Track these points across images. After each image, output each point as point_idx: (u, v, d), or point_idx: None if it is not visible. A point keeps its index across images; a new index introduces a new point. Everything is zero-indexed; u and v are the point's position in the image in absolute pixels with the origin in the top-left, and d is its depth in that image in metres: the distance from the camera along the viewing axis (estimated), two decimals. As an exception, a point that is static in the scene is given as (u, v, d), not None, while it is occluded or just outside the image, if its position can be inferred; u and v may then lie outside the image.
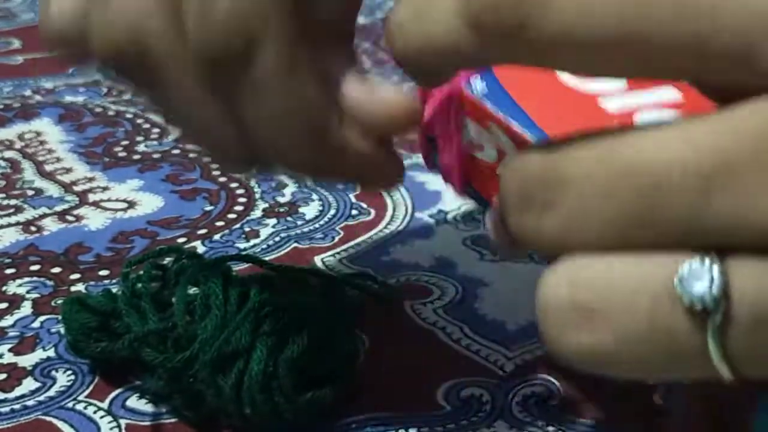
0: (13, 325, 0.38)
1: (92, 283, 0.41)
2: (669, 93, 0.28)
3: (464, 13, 0.17)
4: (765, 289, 0.15)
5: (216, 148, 0.28)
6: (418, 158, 0.52)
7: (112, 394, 0.34)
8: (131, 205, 0.48)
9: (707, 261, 0.15)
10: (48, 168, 0.52)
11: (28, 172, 0.51)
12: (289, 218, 0.46)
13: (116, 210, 0.47)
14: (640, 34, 0.15)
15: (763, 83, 0.15)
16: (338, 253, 0.43)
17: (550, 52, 0.16)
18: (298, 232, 0.45)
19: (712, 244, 0.15)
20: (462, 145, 0.26)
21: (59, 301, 0.38)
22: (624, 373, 0.17)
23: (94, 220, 0.46)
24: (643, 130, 0.16)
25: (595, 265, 0.16)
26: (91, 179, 0.50)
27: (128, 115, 0.59)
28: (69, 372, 0.35)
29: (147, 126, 0.57)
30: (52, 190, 0.49)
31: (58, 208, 0.47)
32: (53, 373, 0.35)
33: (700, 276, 0.15)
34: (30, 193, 0.49)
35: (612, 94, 0.28)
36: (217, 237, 0.45)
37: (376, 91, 0.25)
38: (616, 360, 0.16)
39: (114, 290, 0.36)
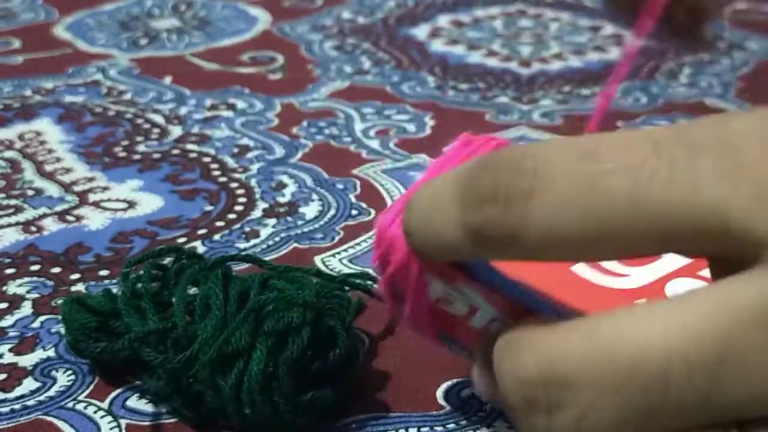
0: (13, 325, 0.38)
1: (92, 283, 0.41)
2: (677, 259, 0.30)
3: (464, 225, 0.19)
4: None
5: None
6: (418, 158, 0.52)
7: (112, 394, 0.34)
8: (131, 205, 0.48)
9: None
10: (48, 168, 0.52)
11: (28, 172, 0.51)
12: (289, 218, 0.46)
13: (116, 210, 0.47)
14: (603, 230, 0.17)
15: (737, 252, 0.16)
16: (338, 253, 0.43)
17: (537, 253, 0.18)
18: (298, 232, 0.45)
19: (730, 420, 0.16)
20: (430, 299, 0.26)
21: (59, 301, 0.38)
22: None
23: (94, 220, 0.46)
24: (636, 317, 0.17)
25: None
26: (91, 179, 0.51)
27: (128, 116, 0.59)
28: (69, 372, 0.35)
29: (147, 126, 0.57)
30: (52, 190, 0.49)
31: (58, 208, 0.47)
32: (53, 373, 0.35)
33: None
34: (30, 193, 0.49)
35: (622, 274, 0.30)
36: (217, 237, 0.45)
37: None
38: None
39: (114, 290, 0.36)
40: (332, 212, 0.47)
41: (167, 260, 0.37)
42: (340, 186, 0.49)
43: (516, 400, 0.18)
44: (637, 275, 0.30)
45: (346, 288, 0.38)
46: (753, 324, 0.16)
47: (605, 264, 0.30)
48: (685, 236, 0.17)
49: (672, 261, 0.31)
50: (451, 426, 0.32)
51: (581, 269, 0.29)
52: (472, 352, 0.27)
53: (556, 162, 0.18)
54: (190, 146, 0.54)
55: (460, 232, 0.19)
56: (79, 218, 0.46)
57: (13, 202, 0.48)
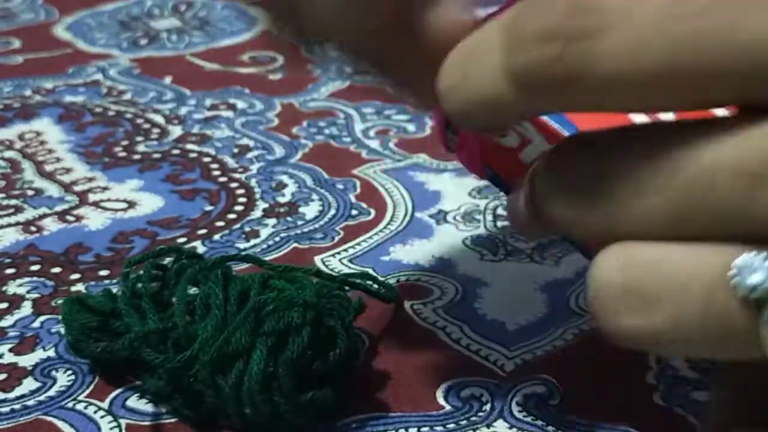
0: (13, 325, 0.38)
1: (92, 283, 0.41)
2: None
3: (509, 71, 0.17)
4: None
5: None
6: (418, 158, 0.52)
7: (113, 394, 0.34)
8: (131, 205, 0.48)
9: (762, 254, 0.16)
10: (48, 168, 0.52)
11: (28, 172, 0.51)
12: (289, 218, 0.46)
13: (116, 210, 0.47)
14: (694, 68, 0.16)
15: None
16: (338, 253, 0.43)
17: (600, 98, 0.17)
18: (298, 232, 0.45)
19: (762, 237, 0.16)
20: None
21: (59, 301, 0.38)
22: (675, 353, 0.19)
23: (94, 220, 0.46)
24: (697, 129, 0.17)
25: (648, 250, 0.17)
26: (91, 179, 0.50)
27: (128, 115, 0.59)
28: (69, 372, 0.35)
29: (147, 126, 0.57)
30: (52, 190, 0.49)
31: (58, 208, 0.47)
32: (53, 373, 0.35)
33: (755, 268, 0.16)
34: (30, 193, 0.49)
35: None
36: (217, 237, 0.45)
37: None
38: (669, 342, 0.17)
39: (114, 290, 0.36)
40: (332, 212, 0.47)
41: (167, 260, 0.37)
42: (340, 186, 0.49)
43: (558, 195, 0.18)
44: None
45: (346, 288, 0.38)
46: None
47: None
48: None
49: None
50: (451, 426, 0.32)
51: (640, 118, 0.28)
52: (514, 186, 0.27)
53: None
54: (190, 146, 0.54)
55: (502, 80, 0.17)
56: (79, 218, 0.46)
57: (13, 202, 0.48)
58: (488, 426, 0.32)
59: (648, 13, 0.16)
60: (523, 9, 0.17)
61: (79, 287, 0.41)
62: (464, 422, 0.32)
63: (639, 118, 0.27)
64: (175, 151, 0.54)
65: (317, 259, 0.43)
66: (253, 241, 0.44)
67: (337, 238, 0.44)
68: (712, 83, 0.16)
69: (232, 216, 0.47)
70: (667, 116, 0.28)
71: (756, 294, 0.16)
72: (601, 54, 0.16)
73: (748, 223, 0.16)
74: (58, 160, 0.53)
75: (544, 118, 0.23)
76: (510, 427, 0.32)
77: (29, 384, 0.35)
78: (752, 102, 0.16)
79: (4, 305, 0.39)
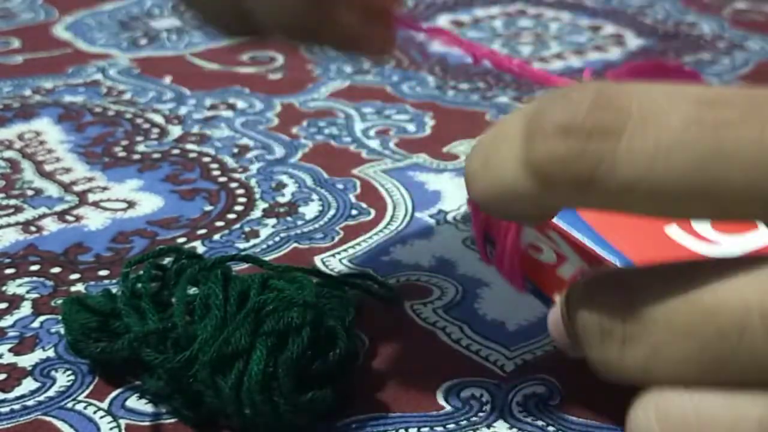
0: (12, 325, 0.38)
1: (92, 283, 0.41)
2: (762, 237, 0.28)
3: (528, 162, 0.17)
4: None
5: (211, 12, 0.27)
6: (418, 158, 0.52)
7: (112, 395, 0.34)
8: (131, 205, 0.48)
9: None
10: (47, 168, 0.52)
11: (28, 172, 0.51)
12: (288, 218, 0.46)
13: (116, 210, 0.47)
14: (719, 183, 0.15)
15: None
16: (338, 253, 0.43)
17: (619, 200, 0.16)
18: (298, 232, 0.45)
19: None
20: (520, 246, 0.26)
21: (59, 301, 0.38)
22: None
23: (93, 220, 0.46)
24: (720, 271, 0.16)
25: (684, 402, 0.17)
26: (90, 179, 0.50)
27: (128, 115, 0.59)
28: (69, 372, 0.35)
29: (147, 126, 0.57)
30: (52, 190, 0.49)
31: (58, 208, 0.47)
32: (53, 373, 0.35)
33: None
34: (30, 193, 0.49)
35: (714, 241, 0.28)
36: (216, 237, 0.45)
37: None
38: None
39: (114, 290, 0.36)
40: (332, 212, 0.47)
41: (167, 260, 0.37)
42: (340, 186, 0.49)
43: (592, 331, 0.17)
44: (730, 244, 0.28)
45: (346, 288, 0.38)
46: None
47: (699, 229, 0.28)
48: None
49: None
50: (451, 426, 0.32)
51: (675, 232, 0.27)
52: (556, 300, 0.26)
53: (664, 104, 0.16)
54: (189, 146, 0.54)
55: (521, 171, 0.17)
56: (78, 218, 0.46)
57: (12, 202, 0.48)
58: (488, 426, 0.32)
59: (674, 120, 0.15)
60: (548, 100, 0.17)
61: (79, 287, 0.41)
62: (464, 422, 0.32)
63: (674, 231, 0.27)
64: (175, 151, 0.54)
65: (317, 259, 0.43)
66: (252, 241, 0.44)
67: (336, 238, 0.44)
68: (739, 200, 0.15)
69: (231, 216, 0.47)
70: (704, 249, 0.27)
71: None
72: (621, 157, 0.16)
73: None
74: (57, 160, 0.53)
75: (579, 237, 0.23)
76: (510, 428, 0.32)
77: (29, 384, 0.35)
78: None
79: (4, 305, 0.39)
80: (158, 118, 0.58)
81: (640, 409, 0.17)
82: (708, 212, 0.16)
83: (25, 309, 0.39)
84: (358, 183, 0.50)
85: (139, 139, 0.55)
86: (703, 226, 0.28)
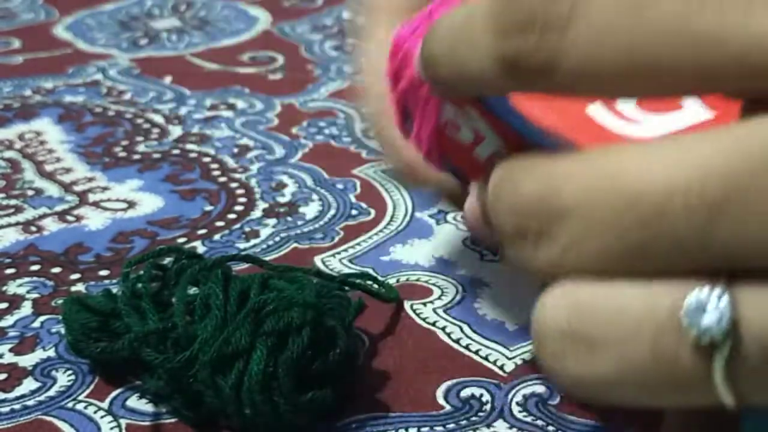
0: (13, 325, 0.38)
1: (92, 283, 0.41)
2: (699, 113, 0.27)
3: (496, 55, 0.17)
4: None
5: None
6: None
7: (112, 394, 0.34)
8: (131, 205, 0.48)
9: (715, 291, 0.15)
10: (48, 168, 0.52)
11: (28, 172, 0.51)
12: (289, 218, 0.46)
13: (116, 210, 0.47)
14: (649, 63, 0.16)
15: None
16: (338, 253, 0.43)
17: (570, 85, 0.17)
18: (298, 232, 0.45)
19: (719, 270, 0.15)
20: (438, 122, 0.25)
21: (59, 301, 0.38)
22: (623, 402, 0.16)
23: (94, 220, 0.46)
24: (642, 156, 0.16)
25: (596, 291, 0.16)
26: (91, 179, 0.51)
27: (128, 116, 0.59)
28: (69, 372, 0.35)
29: (147, 126, 0.57)
30: (52, 190, 0.49)
31: (58, 208, 0.47)
32: (53, 373, 0.35)
33: (707, 308, 0.15)
34: (30, 193, 0.49)
35: (636, 120, 0.27)
36: (217, 237, 0.45)
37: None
38: (617, 389, 0.16)
39: (114, 290, 0.36)
40: (332, 212, 0.47)
41: (167, 260, 0.37)
42: (340, 186, 0.49)
43: (508, 227, 0.17)
44: (652, 123, 0.27)
45: (346, 288, 0.38)
46: (763, 165, 0.14)
47: (622, 108, 0.27)
48: (731, 70, 0.15)
49: (692, 114, 0.27)
50: (451, 426, 0.32)
51: (596, 111, 0.27)
52: (471, 181, 0.26)
53: None
54: (190, 146, 0.54)
55: (490, 62, 0.18)
56: (79, 218, 0.46)
57: (13, 202, 0.48)
58: (488, 426, 0.32)
59: (608, 3, 0.16)
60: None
61: (79, 287, 0.41)
62: (464, 422, 0.32)
63: (596, 110, 0.26)
64: (175, 151, 0.54)
65: (317, 259, 0.43)
66: (253, 241, 0.44)
67: (337, 238, 0.44)
68: (671, 75, 0.16)
69: (232, 216, 0.47)
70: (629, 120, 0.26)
71: (708, 337, 0.15)
72: (567, 46, 0.16)
73: (704, 255, 0.15)
74: (58, 160, 0.53)
75: (498, 115, 0.22)
76: (510, 427, 0.32)
77: (29, 384, 0.35)
78: (713, 92, 0.16)
79: (4, 305, 0.39)
80: (158, 118, 0.58)
81: (549, 299, 0.17)
82: (648, 88, 0.17)
83: (26, 309, 0.39)
84: (358, 183, 0.50)
85: (139, 139, 0.55)
86: (625, 105, 0.27)
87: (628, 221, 0.15)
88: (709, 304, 0.15)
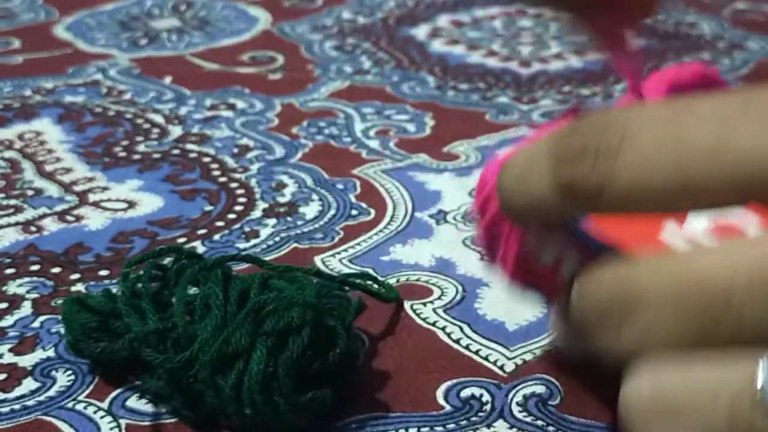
0: (13, 325, 0.38)
1: (92, 283, 0.41)
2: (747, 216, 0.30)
3: (555, 182, 0.20)
4: None
5: None
6: (418, 158, 0.52)
7: (112, 394, 0.34)
8: (131, 205, 0.48)
9: None
10: (48, 168, 0.52)
11: (28, 172, 0.51)
12: (289, 218, 0.46)
13: (116, 210, 0.47)
14: (694, 181, 0.18)
15: None
16: (338, 253, 0.43)
17: (625, 205, 0.19)
18: (298, 232, 0.45)
19: None
20: (520, 250, 0.28)
21: (59, 301, 0.38)
22: None
23: (94, 220, 0.46)
24: (708, 249, 0.18)
25: (675, 368, 0.18)
26: (90, 179, 0.51)
27: (128, 116, 0.59)
28: (69, 372, 0.35)
29: (147, 126, 0.57)
30: (52, 190, 0.49)
31: (58, 208, 0.47)
32: (53, 373, 0.35)
33: None
34: (30, 193, 0.49)
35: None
36: (217, 237, 0.45)
37: None
38: None
39: (114, 290, 0.36)
40: (332, 212, 0.47)
41: (167, 260, 0.37)
42: (340, 186, 0.49)
43: (590, 314, 0.20)
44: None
45: (346, 288, 0.38)
46: None
47: (697, 236, 0.30)
48: (757, 188, 0.17)
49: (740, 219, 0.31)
50: (451, 426, 0.32)
51: (671, 237, 0.30)
52: (556, 300, 0.29)
53: (645, 119, 0.19)
54: (190, 146, 0.54)
55: (550, 188, 0.20)
56: (79, 218, 0.46)
57: (12, 202, 0.48)
58: (488, 426, 0.32)
59: (652, 128, 0.19)
60: (567, 128, 0.20)
61: (79, 287, 0.41)
62: (464, 422, 0.32)
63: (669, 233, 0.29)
64: (175, 151, 0.54)
65: (317, 259, 0.43)
66: (253, 241, 0.44)
67: (337, 238, 0.44)
68: (718, 191, 0.18)
69: (232, 216, 0.47)
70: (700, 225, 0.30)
71: None
72: (617, 169, 0.19)
73: (763, 334, 0.17)
74: (58, 160, 0.53)
75: (575, 237, 0.25)
76: (510, 427, 0.32)
77: (29, 384, 0.35)
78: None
79: (4, 305, 0.39)
80: (158, 118, 0.58)
81: (635, 376, 0.19)
82: (695, 204, 0.19)
83: (26, 309, 0.39)
84: (358, 183, 0.50)
85: (139, 139, 0.55)
86: (694, 232, 0.30)
87: (696, 302, 0.18)
88: None
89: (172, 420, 0.33)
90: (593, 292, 0.20)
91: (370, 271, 0.41)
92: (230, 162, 0.52)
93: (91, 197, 0.49)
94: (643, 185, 0.18)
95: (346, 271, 0.41)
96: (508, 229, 0.28)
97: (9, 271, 0.42)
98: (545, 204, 0.21)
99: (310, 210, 0.47)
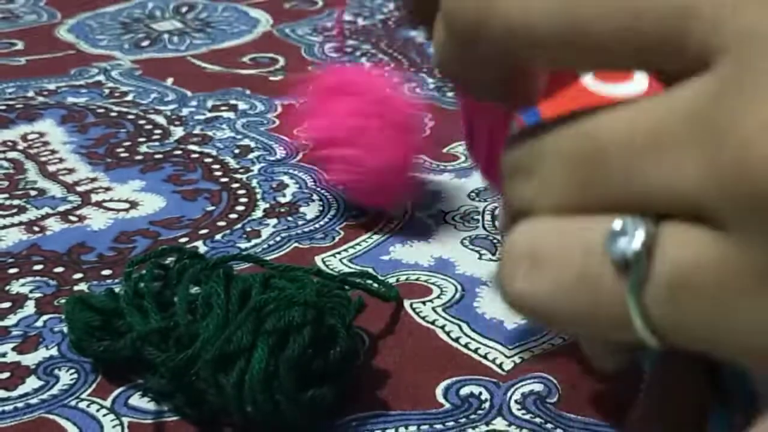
0: (16, 324, 0.38)
1: (95, 282, 0.41)
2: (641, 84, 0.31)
3: (443, 22, 0.19)
4: (688, 253, 0.16)
5: None
6: (418, 158, 0.53)
7: (115, 393, 0.34)
8: (133, 205, 0.48)
9: (638, 221, 0.16)
10: (51, 168, 0.52)
11: (31, 172, 0.52)
12: (289, 218, 0.46)
13: (118, 210, 0.47)
14: (576, 31, 0.17)
15: (696, 66, 0.16)
16: (338, 253, 0.43)
17: (504, 49, 0.18)
18: (299, 232, 0.45)
19: (648, 210, 0.16)
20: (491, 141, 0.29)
21: (62, 301, 0.39)
22: (556, 324, 0.18)
23: (96, 220, 0.47)
24: (608, 110, 0.17)
25: (550, 223, 0.18)
26: (93, 180, 0.51)
27: (130, 116, 0.59)
28: (72, 370, 0.36)
29: (149, 127, 0.57)
30: (55, 190, 0.50)
31: (61, 209, 0.48)
32: (56, 371, 0.36)
33: (626, 232, 0.16)
34: (33, 193, 0.49)
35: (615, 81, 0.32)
36: (218, 237, 0.45)
37: None
38: (548, 309, 0.18)
39: (116, 290, 0.36)
40: (333, 212, 0.47)
41: (169, 260, 0.37)
42: (340, 186, 0.50)
43: (507, 165, 0.19)
44: (641, 81, 0.31)
45: (347, 287, 0.39)
46: (678, 122, 0.16)
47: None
48: (651, 46, 0.16)
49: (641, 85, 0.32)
50: (450, 424, 0.33)
51: (589, 81, 0.31)
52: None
53: None
54: (191, 147, 0.55)
55: (444, 33, 0.19)
56: (81, 218, 0.47)
57: (16, 202, 0.48)
58: (487, 424, 0.32)
59: None
60: None
61: (82, 287, 0.41)
62: (463, 420, 0.33)
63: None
64: (177, 152, 0.54)
65: (318, 259, 0.43)
66: (254, 241, 0.44)
67: (337, 238, 0.45)
68: (607, 46, 0.17)
69: (233, 216, 0.47)
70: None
71: (623, 258, 0.16)
72: (497, 9, 0.17)
73: (635, 196, 0.16)
74: (60, 160, 0.53)
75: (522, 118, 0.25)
76: (509, 425, 0.32)
77: (32, 382, 0.35)
78: (651, 68, 0.17)
79: (8, 304, 0.40)
80: (160, 119, 0.58)
81: (515, 231, 0.19)
82: (581, 60, 0.18)
83: (29, 308, 0.39)
84: (358, 183, 0.50)
85: (141, 140, 0.56)
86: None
87: (577, 158, 0.17)
88: (630, 230, 0.16)
89: (174, 418, 0.33)
90: (514, 147, 0.19)
91: (371, 271, 0.41)
92: (231, 162, 0.53)
93: (94, 197, 0.49)
94: (525, 27, 0.17)
95: (347, 271, 0.42)
96: (480, 122, 0.29)
97: (12, 270, 0.42)
98: (450, 54, 0.19)
99: (311, 210, 0.47)
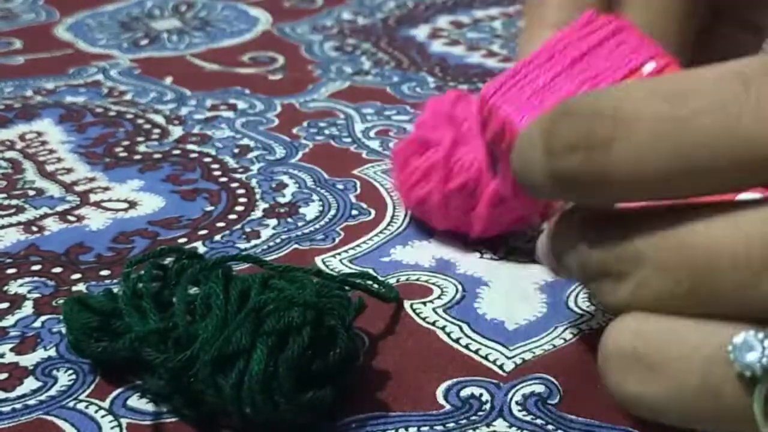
0: (14, 325, 0.38)
1: (93, 283, 0.41)
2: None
3: (547, 172, 0.20)
4: None
5: None
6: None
7: (113, 394, 0.34)
8: (132, 205, 0.48)
9: (761, 335, 0.17)
10: (49, 168, 0.52)
11: (29, 172, 0.52)
12: (289, 219, 0.46)
13: (117, 210, 0.47)
14: (696, 168, 0.18)
15: None
16: (339, 253, 0.43)
17: (620, 195, 0.19)
18: (299, 233, 0.45)
19: (762, 319, 0.17)
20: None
21: (60, 301, 0.39)
22: (673, 423, 0.19)
23: (95, 220, 0.46)
24: (701, 214, 0.18)
25: (658, 323, 0.19)
26: (91, 179, 0.51)
27: (129, 116, 0.59)
28: (70, 371, 0.35)
29: (148, 126, 0.57)
30: (53, 190, 0.49)
31: (59, 208, 0.48)
32: (54, 372, 0.35)
33: (752, 347, 0.17)
34: (31, 193, 0.49)
35: None
36: (217, 237, 0.45)
37: None
38: (667, 410, 0.18)
39: (115, 290, 0.36)
40: (332, 213, 0.47)
41: (168, 260, 0.37)
42: (340, 186, 0.49)
43: (592, 266, 0.20)
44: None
45: (347, 288, 0.39)
46: None
47: None
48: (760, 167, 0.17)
49: None
50: (450, 425, 0.32)
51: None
52: (548, 221, 0.29)
53: (637, 102, 0.18)
54: (190, 146, 0.55)
55: (545, 179, 0.20)
56: (80, 218, 0.47)
57: (14, 202, 0.48)
58: (488, 425, 0.32)
59: (649, 119, 0.18)
60: (557, 118, 0.20)
61: (80, 287, 0.41)
62: (464, 421, 0.32)
63: None
64: (176, 152, 0.54)
65: (318, 260, 0.43)
66: (253, 242, 0.44)
67: (337, 239, 0.44)
68: (715, 177, 0.18)
69: (232, 216, 0.47)
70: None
71: (750, 371, 0.17)
72: (613, 161, 0.18)
73: (751, 308, 0.17)
74: (59, 160, 0.53)
75: None
76: (509, 426, 0.32)
77: (30, 383, 0.35)
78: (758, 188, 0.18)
79: (6, 305, 0.40)
80: (159, 119, 0.58)
81: (617, 326, 0.19)
82: (699, 190, 0.18)
83: (27, 309, 0.39)
84: (358, 183, 0.50)
85: (140, 139, 0.55)
86: None
87: (683, 269, 0.18)
88: (754, 344, 0.17)
89: (173, 419, 0.33)
90: (599, 245, 0.20)
91: (371, 271, 0.41)
92: (231, 162, 0.52)
93: (92, 197, 0.49)
94: (641, 175, 0.18)
95: (347, 271, 0.42)
96: (507, 148, 0.29)
97: (10, 271, 0.42)
98: (547, 192, 0.20)
99: (311, 210, 0.47)
